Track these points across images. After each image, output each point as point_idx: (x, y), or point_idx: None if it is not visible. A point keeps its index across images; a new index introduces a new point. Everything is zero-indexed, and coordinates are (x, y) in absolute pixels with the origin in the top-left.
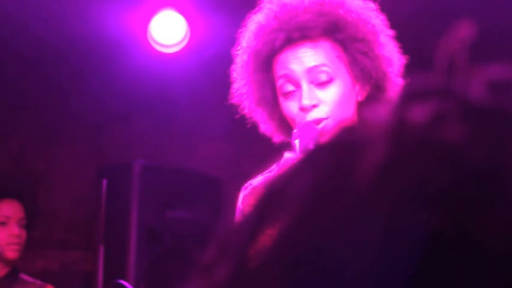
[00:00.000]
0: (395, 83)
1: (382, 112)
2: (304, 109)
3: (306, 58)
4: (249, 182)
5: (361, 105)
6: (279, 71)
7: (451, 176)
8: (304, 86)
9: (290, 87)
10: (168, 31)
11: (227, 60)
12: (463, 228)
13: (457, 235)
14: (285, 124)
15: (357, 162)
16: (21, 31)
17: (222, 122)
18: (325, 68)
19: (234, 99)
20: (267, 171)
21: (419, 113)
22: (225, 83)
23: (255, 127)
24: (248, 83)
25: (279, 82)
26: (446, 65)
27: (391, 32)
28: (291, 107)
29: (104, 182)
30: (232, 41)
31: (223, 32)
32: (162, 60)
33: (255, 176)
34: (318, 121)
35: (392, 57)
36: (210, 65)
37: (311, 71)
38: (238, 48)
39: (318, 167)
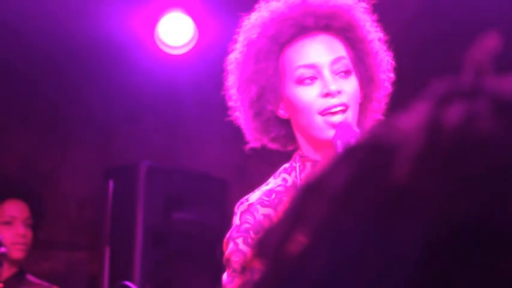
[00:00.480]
0: (386, 86)
1: (417, 112)
2: (329, 94)
3: (328, 49)
4: (245, 197)
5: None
6: (296, 60)
7: (486, 170)
8: (327, 74)
9: (309, 76)
10: (176, 33)
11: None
12: (498, 219)
13: (496, 225)
14: (286, 124)
15: (394, 161)
16: (31, 33)
17: (229, 124)
18: (345, 61)
19: (228, 92)
20: (263, 185)
21: (453, 113)
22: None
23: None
24: (249, 72)
25: (298, 72)
26: (475, 67)
27: (385, 38)
28: (308, 93)
29: (111, 183)
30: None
31: (231, 34)
32: (169, 62)
33: (260, 178)
34: (344, 105)
35: (385, 58)
36: (217, 67)
37: (334, 61)
38: (243, 36)
39: (356, 165)
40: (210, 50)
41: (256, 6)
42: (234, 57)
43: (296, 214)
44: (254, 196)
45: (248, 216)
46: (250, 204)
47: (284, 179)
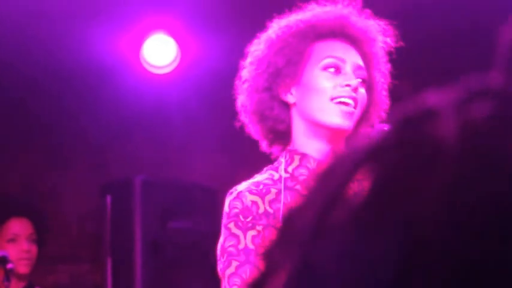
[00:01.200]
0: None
1: (443, 110)
2: (349, 85)
3: (357, 57)
4: (234, 188)
5: None
6: (329, 49)
7: None
8: (350, 72)
9: (335, 66)
10: (160, 53)
11: (217, 78)
12: None
13: None
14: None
15: (429, 163)
16: (23, 56)
17: (215, 136)
18: (364, 73)
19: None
20: (252, 177)
21: (482, 111)
22: (215, 100)
23: (247, 139)
24: (273, 53)
25: (327, 59)
26: (504, 66)
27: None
28: (329, 80)
29: (108, 198)
30: (221, 60)
31: (212, 52)
32: (155, 81)
33: None
34: (355, 100)
35: (386, 99)
36: (201, 84)
37: (359, 68)
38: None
39: (386, 166)
40: (193, 68)
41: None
42: (263, 38)
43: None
44: (242, 186)
45: (236, 202)
46: (239, 192)
47: (271, 174)
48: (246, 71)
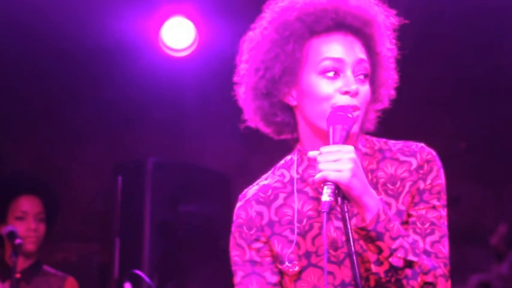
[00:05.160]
0: (389, 98)
1: None
2: (348, 92)
3: (356, 49)
4: (244, 191)
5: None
6: (323, 51)
7: None
8: (349, 74)
9: (333, 69)
10: (178, 36)
11: (233, 63)
12: None
13: None
14: (289, 114)
15: None
16: (41, 37)
17: (230, 121)
18: (366, 65)
19: (240, 79)
20: (261, 178)
21: None
22: (231, 84)
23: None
24: (280, 53)
25: (323, 63)
26: None
27: (398, 51)
28: (328, 86)
29: (119, 178)
30: (238, 45)
31: (229, 37)
32: (172, 64)
33: (261, 172)
34: (355, 108)
35: (395, 77)
36: (217, 68)
37: (358, 63)
38: (266, 20)
39: None
40: (210, 52)
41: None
42: (257, 33)
43: None
44: (251, 191)
45: (241, 212)
46: (247, 200)
47: (282, 174)
48: (243, 73)
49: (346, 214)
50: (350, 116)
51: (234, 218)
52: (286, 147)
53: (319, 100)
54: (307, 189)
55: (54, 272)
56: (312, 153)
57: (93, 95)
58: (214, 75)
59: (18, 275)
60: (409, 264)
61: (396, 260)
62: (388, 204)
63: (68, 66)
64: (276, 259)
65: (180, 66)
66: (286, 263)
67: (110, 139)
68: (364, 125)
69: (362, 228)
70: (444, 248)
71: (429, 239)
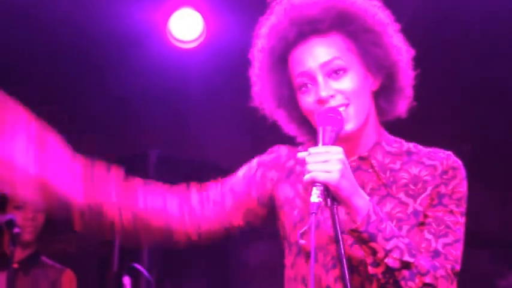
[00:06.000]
0: (407, 73)
1: None
2: (321, 101)
3: (319, 53)
4: (283, 146)
5: (376, 95)
6: (294, 69)
7: None
8: (320, 79)
9: (307, 83)
10: (186, 28)
11: (241, 56)
12: None
13: None
14: (307, 124)
15: None
16: (47, 27)
17: (235, 115)
18: (338, 61)
19: (255, 102)
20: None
21: None
22: (238, 78)
23: (267, 120)
24: (266, 83)
25: (297, 80)
26: None
27: (397, 26)
28: (308, 101)
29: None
30: (246, 38)
31: (237, 30)
32: (179, 56)
33: None
34: (341, 105)
35: (401, 47)
36: (224, 61)
37: (325, 65)
38: (254, 50)
39: None
40: (218, 45)
41: (260, 9)
42: (256, 52)
43: None
44: (283, 150)
45: (273, 149)
46: (283, 145)
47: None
48: (254, 80)
49: (336, 216)
50: (339, 118)
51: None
52: (292, 141)
53: (307, 114)
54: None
55: (52, 263)
56: (301, 154)
57: (98, 86)
58: (221, 68)
59: (15, 265)
60: (405, 265)
61: (392, 261)
62: (406, 205)
63: (74, 56)
64: (286, 203)
65: (187, 58)
66: (300, 240)
67: (114, 131)
68: (387, 114)
69: (354, 230)
70: (456, 252)
71: (442, 240)
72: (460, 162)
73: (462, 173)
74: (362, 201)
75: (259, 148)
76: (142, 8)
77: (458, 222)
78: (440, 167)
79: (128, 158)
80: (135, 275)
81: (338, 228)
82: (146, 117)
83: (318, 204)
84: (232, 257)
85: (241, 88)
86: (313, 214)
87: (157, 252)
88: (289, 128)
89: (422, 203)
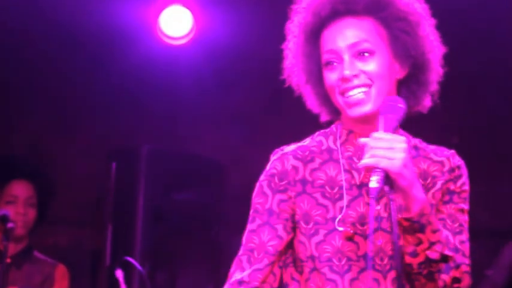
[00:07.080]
0: (435, 67)
1: None
2: (345, 79)
3: (349, 34)
4: (281, 148)
5: (400, 84)
6: (324, 46)
7: None
8: (346, 58)
9: (333, 61)
10: (176, 25)
11: (230, 52)
12: None
13: None
14: (329, 103)
15: None
16: (39, 22)
17: (226, 110)
18: (366, 44)
19: (285, 75)
20: (300, 142)
21: None
22: (228, 73)
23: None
24: (298, 57)
25: (324, 56)
26: None
27: (432, 20)
28: (332, 78)
29: (113, 164)
30: (234, 34)
31: (226, 26)
32: (170, 51)
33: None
34: (363, 85)
35: (432, 41)
36: (214, 56)
37: (353, 46)
38: (290, 24)
39: None
40: (207, 41)
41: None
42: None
43: None
44: (290, 148)
45: (278, 163)
46: (285, 154)
47: (320, 142)
48: (286, 53)
49: (392, 203)
50: (401, 106)
51: (268, 168)
52: (283, 137)
53: (329, 90)
54: (343, 161)
55: (44, 258)
56: (363, 140)
57: (89, 81)
58: (211, 64)
59: (8, 260)
60: (444, 258)
61: (433, 253)
62: None
63: (64, 53)
64: (302, 218)
65: (177, 54)
66: (337, 227)
67: (105, 125)
68: (413, 107)
69: (407, 219)
70: (468, 250)
71: (458, 237)
72: (463, 161)
73: (466, 172)
74: (419, 192)
75: (247, 142)
76: (133, 6)
77: (466, 221)
78: (447, 163)
79: (119, 152)
80: (128, 269)
81: (393, 215)
82: (137, 112)
83: (378, 189)
84: (226, 250)
85: (231, 83)
86: (372, 199)
87: (150, 245)
88: (313, 104)
89: (435, 197)
